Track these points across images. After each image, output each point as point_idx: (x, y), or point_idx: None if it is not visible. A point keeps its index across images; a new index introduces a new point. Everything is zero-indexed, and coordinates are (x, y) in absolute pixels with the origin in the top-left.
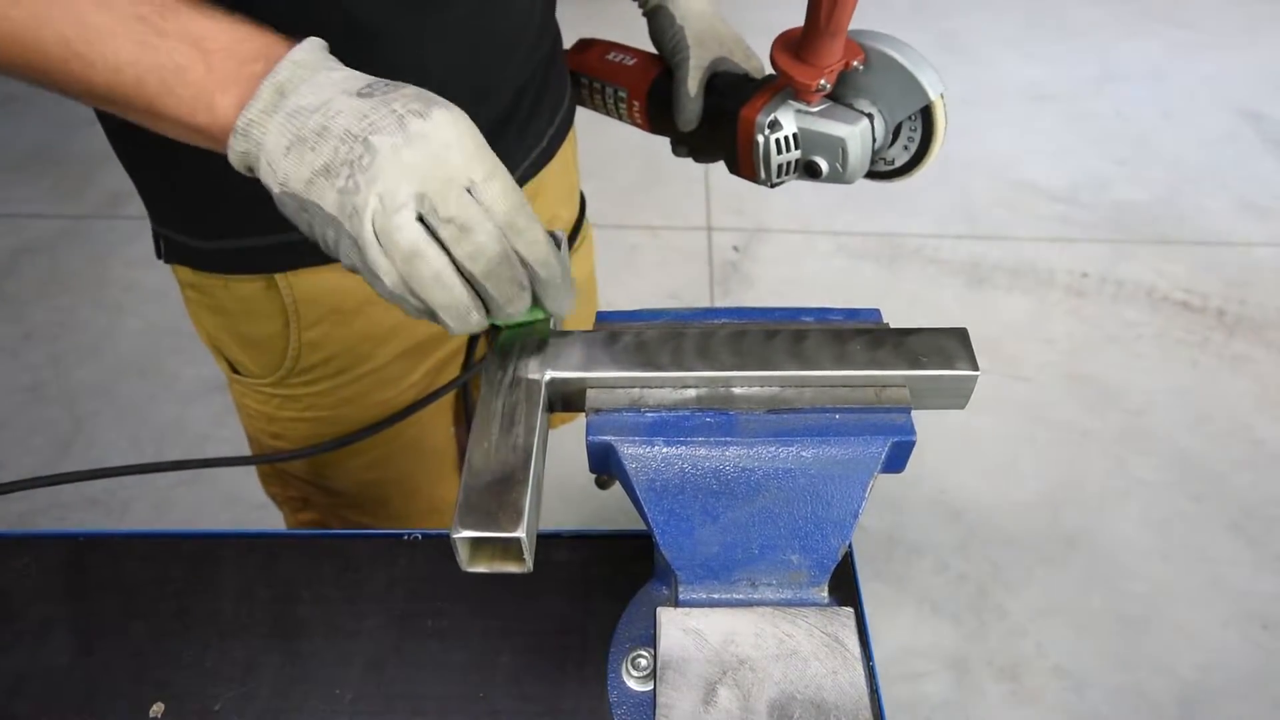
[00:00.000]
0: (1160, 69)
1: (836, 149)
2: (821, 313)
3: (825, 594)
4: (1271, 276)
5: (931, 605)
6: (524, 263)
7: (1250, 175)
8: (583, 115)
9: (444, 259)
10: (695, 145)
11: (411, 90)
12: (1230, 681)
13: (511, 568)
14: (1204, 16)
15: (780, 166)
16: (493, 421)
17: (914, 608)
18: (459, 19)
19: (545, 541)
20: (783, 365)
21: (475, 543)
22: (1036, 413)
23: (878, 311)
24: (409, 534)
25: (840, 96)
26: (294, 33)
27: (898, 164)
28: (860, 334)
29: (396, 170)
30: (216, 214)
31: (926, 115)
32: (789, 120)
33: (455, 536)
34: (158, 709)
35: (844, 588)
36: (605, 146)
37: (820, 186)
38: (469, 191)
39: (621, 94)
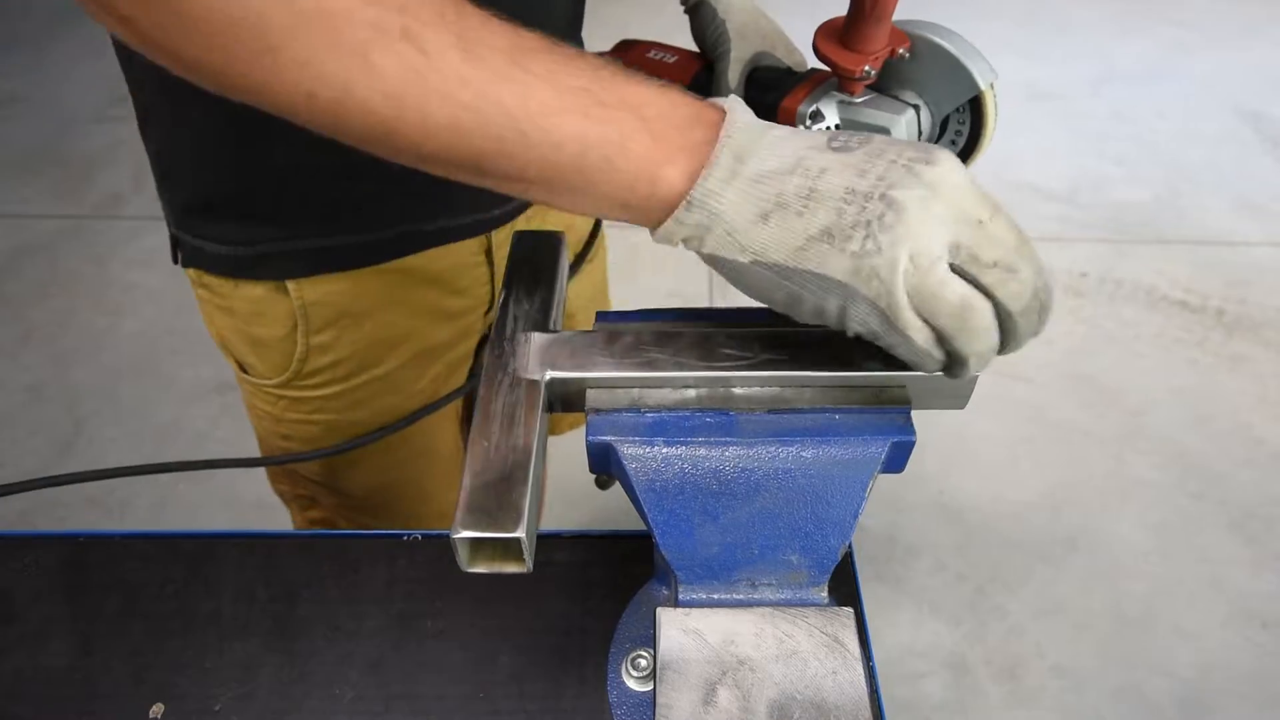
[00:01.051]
0: (1159, 69)
1: None
2: None
3: (825, 594)
4: (1271, 276)
5: (931, 605)
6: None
7: (1249, 175)
8: None
9: (989, 306)
10: None
11: (884, 138)
12: (1230, 681)
13: (511, 568)
14: (1202, 16)
15: None
16: (493, 421)
17: (914, 608)
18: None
19: (545, 542)
20: (783, 365)
21: (475, 543)
22: (1036, 413)
23: None
24: (409, 534)
25: (886, 88)
26: None
27: None
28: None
29: (928, 223)
30: (233, 220)
31: (975, 107)
32: (832, 111)
33: (455, 537)
34: (157, 709)
35: (844, 588)
36: None
37: None
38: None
39: None
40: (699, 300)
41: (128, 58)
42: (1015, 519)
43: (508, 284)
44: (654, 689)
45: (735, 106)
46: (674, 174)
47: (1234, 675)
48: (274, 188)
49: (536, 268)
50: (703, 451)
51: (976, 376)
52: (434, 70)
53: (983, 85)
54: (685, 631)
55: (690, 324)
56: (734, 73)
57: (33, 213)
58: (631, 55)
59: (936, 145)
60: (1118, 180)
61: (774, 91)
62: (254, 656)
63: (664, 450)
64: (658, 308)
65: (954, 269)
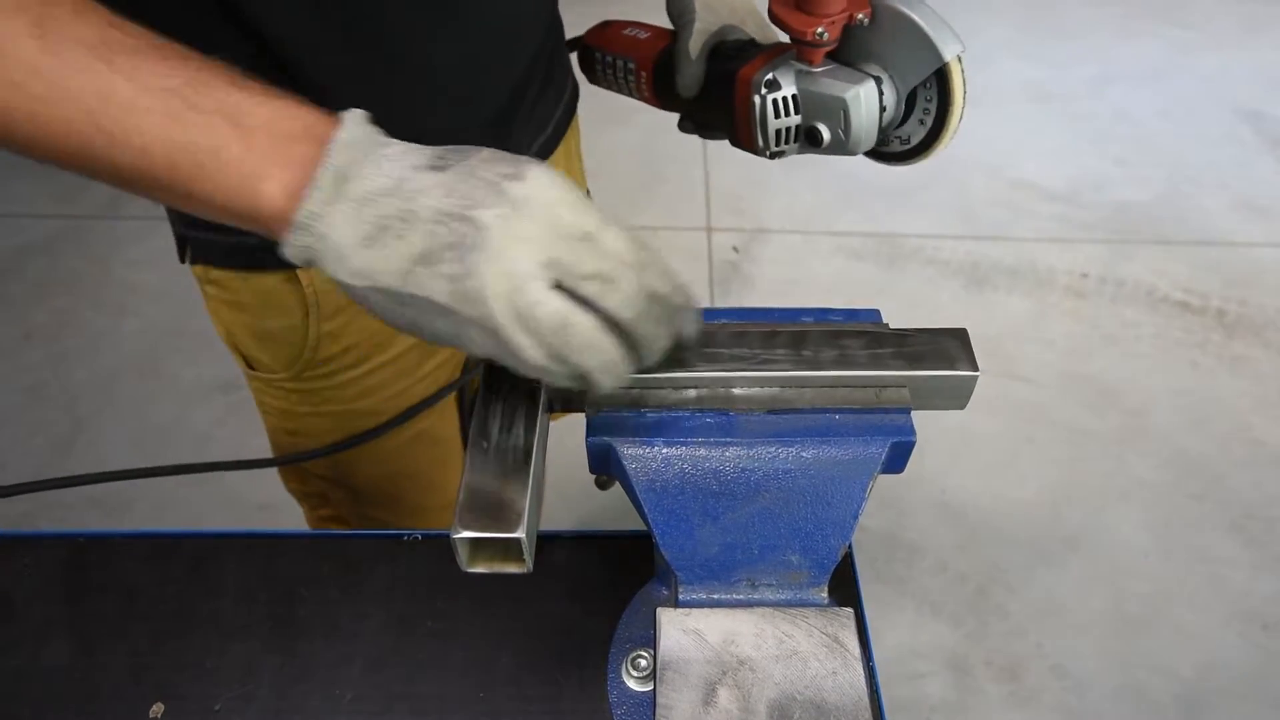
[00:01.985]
0: (1160, 69)
1: (838, 112)
2: (821, 313)
3: (825, 594)
4: (1271, 276)
5: (931, 605)
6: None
7: (1250, 175)
8: (584, 115)
9: (593, 320)
10: (699, 117)
11: (488, 152)
12: (1230, 681)
13: (511, 568)
14: (1204, 16)
15: (779, 133)
16: (493, 421)
17: (914, 608)
18: (466, 13)
19: (545, 542)
20: (783, 366)
21: (475, 543)
22: (1036, 413)
23: (877, 312)
24: (409, 534)
25: (848, 59)
26: (296, 31)
27: (914, 142)
28: (860, 334)
29: (514, 241)
30: None
31: (942, 81)
32: (788, 80)
33: (455, 537)
34: (158, 709)
35: (844, 588)
36: (605, 147)
37: (819, 184)
38: (587, 241)
39: (631, 65)
40: (699, 300)
41: None
42: (1016, 519)
43: None
44: (654, 689)
45: (351, 120)
46: (273, 189)
47: (1234, 675)
48: None
49: None
50: (703, 451)
51: (976, 376)
52: (4, 57)
53: (948, 57)
54: (685, 631)
55: None
56: (695, 44)
57: (33, 213)
58: (609, 31)
59: (531, 158)
60: (1119, 181)
61: (734, 62)
62: (254, 656)
63: (664, 450)
64: None
65: (558, 286)
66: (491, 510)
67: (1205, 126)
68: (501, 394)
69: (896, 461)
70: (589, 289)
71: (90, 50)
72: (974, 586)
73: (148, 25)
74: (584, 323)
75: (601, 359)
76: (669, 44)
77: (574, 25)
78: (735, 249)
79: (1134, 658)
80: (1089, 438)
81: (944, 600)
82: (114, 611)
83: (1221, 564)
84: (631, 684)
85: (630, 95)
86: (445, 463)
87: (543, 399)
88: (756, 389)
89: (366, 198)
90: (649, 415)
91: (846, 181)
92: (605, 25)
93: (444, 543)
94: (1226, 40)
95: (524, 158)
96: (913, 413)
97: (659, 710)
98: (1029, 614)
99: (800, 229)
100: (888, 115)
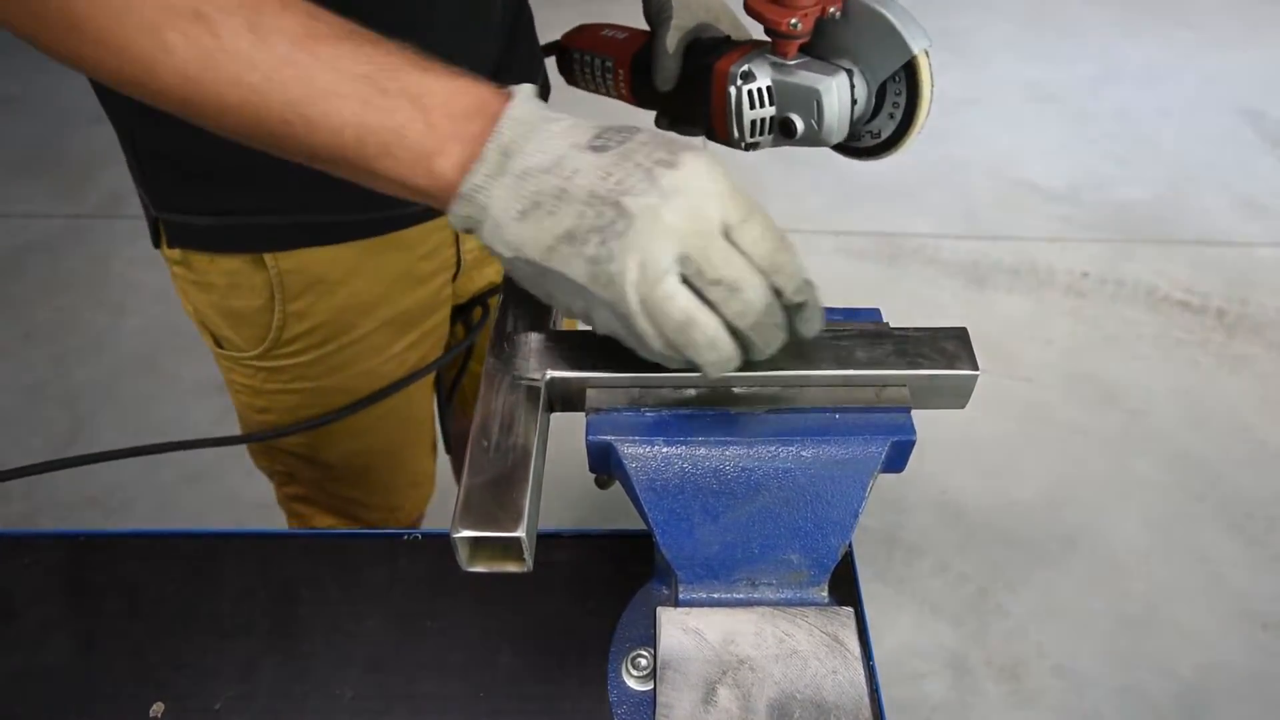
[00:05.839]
0: (1160, 69)
1: (811, 103)
2: None
3: (825, 594)
4: (1272, 276)
5: (931, 605)
6: (778, 292)
7: (1251, 175)
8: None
9: (716, 322)
10: (676, 112)
11: (647, 135)
12: (1230, 681)
13: (511, 567)
14: (1204, 16)
15: (754, 124)
16: (493, 421)
17: (914, 608)
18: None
19: (545, 541)
20: (783, 365)
21: (475, 542)
22: (1036, 413)
23: (878, 311)
24: (409, 534)
25: (820, 52)
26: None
27: (885, 135)
28: (860, 334)
29: (656, 233)
30: (209, 191)
31: (911, 75)
32: (763, 72)
33: (455, 536)
34: (158, 709)
35: (844, 587)
36: None
37: (820, 183)
38: (726, 236)
39: (608, 63)
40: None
41: None
42: (1016, 519)
43: (507, 284)
44: (654, 688)
45: (521, 95)
46: (446, 165)
47: (1234, 675)
48: (254, 157)
49: None
50: (703, 451)
51: (976, 376)
52: (224, 52)
53: (915, 50)
54: (685, 631)
55: None
56: (671, 40)
57: (33, 213)
58: (586, 33)
59: (690, 143)
60: (1120, 180)
61: (710, 56)
62: (254, 656)
63: (664, 449)
64: None
65: (685, 280)
66: (491, 510)
67: (1206, 126)
68: (501, 394)
69: (897, 461)
70: (714, 294)
71: (295, 42)
72: (974, 586)
73: None
74: (707, 323)
75: (716, 357)
76: (646, 42)
77: (554, 29)
78: None
79: (1134, 658)
80: (1089, 438)
81: (944, 600)
82: (114, 611)
83: (1221, 564)
84: (631, 683)
85: (607, 94)
86: (415, 442)
87: (543, 399)
88: (756, 388)
89: (526, 173)
90: (649, 414)
91: (847, 181)
92: (583, 28)
93: (444, 543)
94: (1227, 40)
95: (682, 143)
96: (913, 412)
97: (659, 709)
98: (1029, 614)
99: (801, 228)
100: (859, 108)
